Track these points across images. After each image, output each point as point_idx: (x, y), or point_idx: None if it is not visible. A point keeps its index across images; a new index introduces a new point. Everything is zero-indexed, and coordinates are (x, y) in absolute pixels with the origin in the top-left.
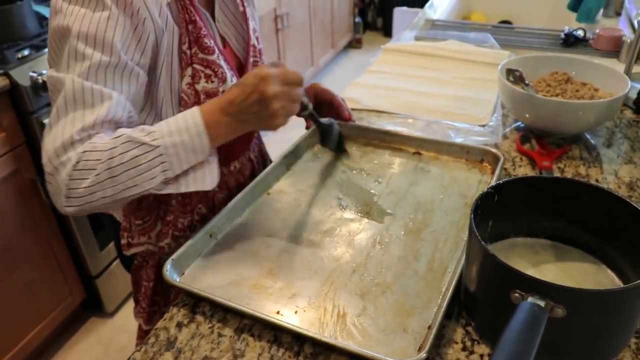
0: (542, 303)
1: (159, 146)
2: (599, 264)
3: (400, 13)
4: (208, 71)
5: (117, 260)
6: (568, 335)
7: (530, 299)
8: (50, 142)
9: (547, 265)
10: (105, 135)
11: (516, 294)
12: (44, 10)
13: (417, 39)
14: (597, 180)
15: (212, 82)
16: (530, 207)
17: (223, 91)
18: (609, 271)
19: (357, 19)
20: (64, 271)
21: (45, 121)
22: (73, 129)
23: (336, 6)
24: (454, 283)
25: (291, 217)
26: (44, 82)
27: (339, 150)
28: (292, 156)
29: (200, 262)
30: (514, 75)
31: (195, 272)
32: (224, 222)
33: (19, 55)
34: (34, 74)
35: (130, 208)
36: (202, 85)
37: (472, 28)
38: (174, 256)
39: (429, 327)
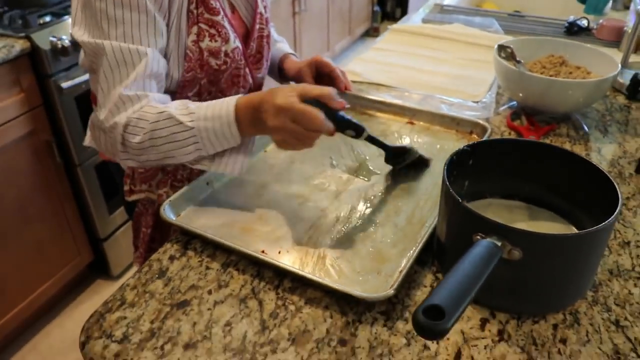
0: (499, 243)
1: (193, 128)
2: (568, 225)
3: (416, 1)
4: (212, 30)
5: (125, 225)
6: (525, 278)
7: (489, 239)
8: (105, 103)
9: (519, 223)
10: (153, 102)
11: (478, 236)
12: None
13: (425, 21)
14: None
15: (216, 41)
16: (506, 170)
17: (225, 50)
18: (576, 230)
19: (376, 8)
20: (74, 232)
21: (63, 85)
22: (120, 88)
23: None
24: (427, 233)
25: (284, 171)
26: (63, 46)
27: (417, 168)
28: None
29: (195, 206)
30: (505, 52)
31: (190, 214)
32: (220, 173)
33: (41, 21)
34: (54, 39)
35: None
36: (206, 43)
37: (478, 14)
38: (171, 197)
39: (400, 272)
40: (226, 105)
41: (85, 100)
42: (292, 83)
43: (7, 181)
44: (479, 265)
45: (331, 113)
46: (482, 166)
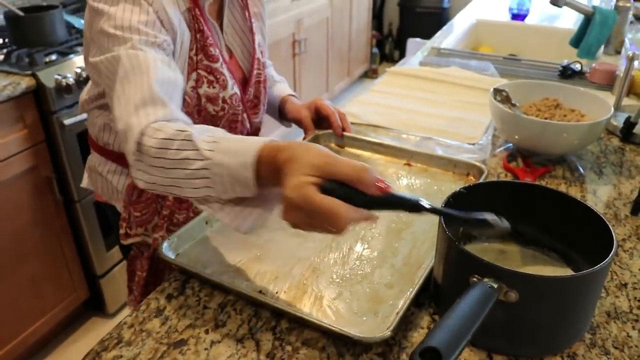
0: (495, 285)
1: (209, 159)
2: (564, 267)
3: (413, 44)
4: (211, 77)
5: (122, 263)
6: (521, 320)
7: (485, 281)
8: (123, 108)
9: (515, 265)
10: (176, 115)
11: (474, 278)
12: (73, 20)
13: (422, 64)
14: None
15: (214, 87)
16: (501, 211)
17: (223, 97)
18: (573, 272)
19: (374, 50)
20: (70, 268)
21: (66, 122)
22: (139, 91)
23: (354, 36)
24: (425, 274)
25: None
26: (67, 84)
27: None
28: None
29: (194, 245)
30: (500, 95)
31: (188, 253)
32: None
33: (47, 59)
34: (59, 77)
35: (131, 200)
36: (204, 89)
37: (474, 57)
38: (170, 237)
39: (397, 313)
40: (252, 143)
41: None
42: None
43: (5, 215)
44: (475, 307)
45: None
46: (479, 208)
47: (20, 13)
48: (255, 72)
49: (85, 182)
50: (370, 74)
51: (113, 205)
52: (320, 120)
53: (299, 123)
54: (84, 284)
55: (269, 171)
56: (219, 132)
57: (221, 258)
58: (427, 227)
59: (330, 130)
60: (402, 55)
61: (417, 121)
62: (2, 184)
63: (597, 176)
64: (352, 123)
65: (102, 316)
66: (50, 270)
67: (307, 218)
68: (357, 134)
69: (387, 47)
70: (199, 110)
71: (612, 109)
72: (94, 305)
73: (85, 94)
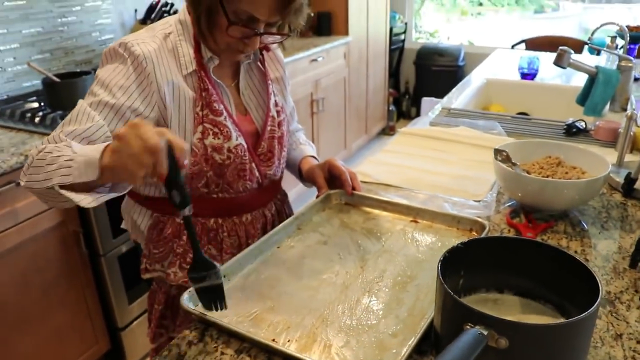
0: (485, 332)
1: (75, 152)
2: (558, 317)
3: (427, 102)
4: (215, 129)
5: (143, 315)
6: None
7: (476, 328)
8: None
9: (512, 315)
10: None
11: (467, 326)
12: None
13: (432, 124)
14: (575, 252)
15: (218, 138)
16: (499, 265)
17: (228, 147)
18: None
19: (391, 108)
20: (93, 320)
21: None
22: (56, 132)
23: (371, 94)
24: (426, 324)
25: (295, 266)
26: None
27: (208, 298)
28: (303, 217)
29: None
30: (501, 155)
31: None
32: (236, 267)
33: None
34: None
35: (151, 238)
36: (209, 140)
37: (483, 117)
38: (191, 289)
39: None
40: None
41: None
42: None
43: (35, 268)
44: (465, 351)
45: (174, 168)
46: (477, 262)
47: (56, 79)
48: (268, 128)
49: (124, 224)
50: (388, 131)
51: (139, 244)
52: (333, 179)
53: (311, 179)
54: (106, 336)
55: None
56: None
57: (238, 309)
58: (430, 281)
59: (341, 190)
60: (419, 112)
61: (425, 179)
62: (32, 239)
63: (598, 231)
64: (364, 182)
65: None
66: (74, 322)
67: (134, 133)
68: (367, 192)
69: (404, 105)
70: (206, 159)
71: (610, 165)
72: (115, 357)
73: None
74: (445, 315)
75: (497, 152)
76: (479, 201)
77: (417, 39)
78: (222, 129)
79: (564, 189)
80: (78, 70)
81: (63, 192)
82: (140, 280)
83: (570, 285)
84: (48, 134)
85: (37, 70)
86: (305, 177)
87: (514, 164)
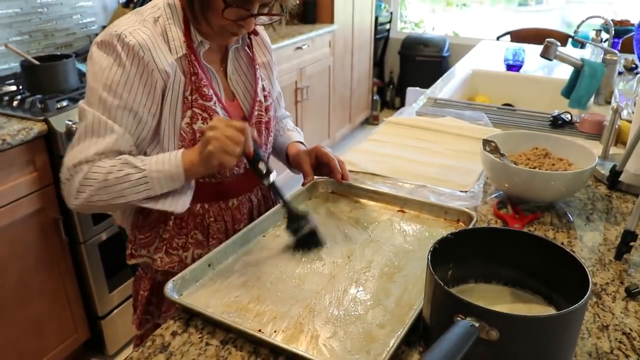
0: (476, 324)
1: (145, 169)
2: (548, 308)
3: (412, 92)
4: (205, 114)
5: (124, 304)
6: (503, 357)
7: (467, 319)
8: (70, 158)
9: (501, 306)
10: (108, 160)
11: (458, 318)
12: (85, 68)
13: (418, 114)
14: (562, 243)
15: (207, 123)
16: (488, 255)
17: None
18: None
19: (376, 97)
20: (73, 309)
21: None
22: (88, 152)
23: (356, 84)
24: (415, 315)
25: (282, 255)
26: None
27: (307, 244)
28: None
29: (197, 286)
30: (489, 145)
31: (192, 293)
32: (222, 255)
33: (59, 105)
34: (70, 122)
35: (136, 223)
36: (198, 125)
37: (469, 107)
38: (174, 278)
39: (388, 351)
40: (174, 154)
41: None
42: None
43: (12, 256)
44: (457, 343)
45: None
46: (466, 252)
47: (36, 62)
48: (255, 112)
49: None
50: (372, 120)
51: (124, 229)
52: (320, 166)
53: (298, 164)
54: (85, 325)
55: (189, 160)
56: (142, 156)
57: (223, 298)
58: (418, 272)
59: (328, 177)
60: (403, 102)
61: (412, 169)
62: (11, 225)
63: (584, 223)
64: (350, 171)
65: (102, 358)
66: (53, 311)
67: (222, 128)
68: (354, 181)
69: (388, 95)
70: (194, 144)
71: (597, 158)
72: (95, 346)
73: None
74: (435, 307)
75: (486, 142)
76: (466, 192)
77: (402, 29)
78: (211, 114)
79: (551, 180)
80: (58, 53)
81: (148, 204)
82: (121, 268)
83: (558, 276)
84: (28, 118)
85: (15, 53)
86: (292, 163)
87: (502, 155)
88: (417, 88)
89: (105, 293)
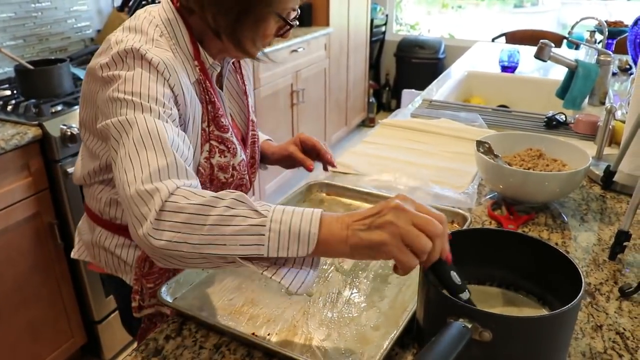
0: (469, 325)
1: (265, 216)
2: (541, 309)
3: (408, 94)
4: (222, 147)
5: None
6: (496, 359)
7: (460, 321)
8: (137, 172)
9: (495, 307)
10: (204, 189)
11: (451, 319)
12: (79, 72)
13: (413, 116)
14: (556, 244)
15: (225, 156)
16: (482, 257)
17: (233, 164)
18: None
19: (372, 100)
20: (69, 313)
21: (69, 170)
22: (160, 162)
23: (352, 86)
24: (408, 316)
25: None
26: (72, 134)
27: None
28: None
29: (191, 289)
30: (483, 147)
31: (186, 297)
32: None
33: (53, 110)
34: (64, 127)
35: (142, 272)
36: (216, 159)
37: (464, 109)
38: (169, 281)
39: (382, 353)
40: (310, 210)
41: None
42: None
43: (7, 261)
44: (449, 344)
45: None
46: (459, 254)
47: (30, 67)
48: (250, 133)
49: (78, 253)
50: (368, 123)
51: (118, 279)
52: (306, 152)
53: (289, 159)
54: (82, 330)
55: (330, 225)
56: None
57: (217, 301)
58: (413, 274)
59: (322, 180)
60: (399, 104)
61: (406, 171)
62: (6, 230)
63: (578, 223)
64: (345, 173)
65: None
66: (49, 316)
67: (412, 219)
68: (348, 184)
69: (384, 97)
70: (211, 179)
71: (590, 158)
72: (91, 351)
73: (80, 169)
74: (428, 309)
75: (480, 144)
76: (461, 193)
77: (397, 31)
78: (229, 146)
79: (545, 181)
80: (52, 57)
81: (250, 265)
82: None
83: (552, 277)
84: (22, 123)
85: (9, 57)
86: (276, 158)
87: (496, 156)
88: (413, 90)
89: (102, 297)
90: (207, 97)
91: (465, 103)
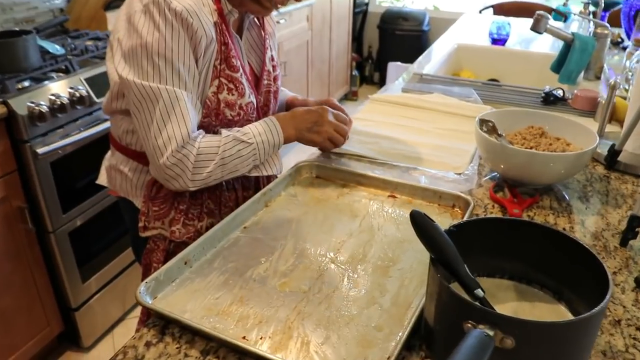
0: (491, 332)
1: (252, 143)
2: (556, 303)
3: (394, 67)
4: (231, 85)
5: (98, 294)
6: None
7: (480, 328)
8: (166, 142)
9: (507, 303)
10: (210, 135)
11: (468, 324)
12: (48, 45)
13: (404, 90)
14: (564, 229)
15: (233, 94)
16: (492, 248)
17: (240, 104)
18: (567, 311)
19: (354, 72)
20: (43, 301)
21: (39, 150)
22: (182, 131)
23: (334, 59)
24: (415, 316)
25: (265, 250)
26: (40, 112)
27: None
28: (271, 193)
29: (173, 287)
30: (487, 125)
31: (167, 296)
32: (199, 251)
33: (19, 86)
34: (32, 104)
35: (150, 196)
36: (224, 95)
37: (457, 83)
38: (147, 279)
39: (388, 358)
40: (270, 122)
41: (62, 166)
42: None
43: None
44: (472, 357)
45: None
46: (468, 245)
47: None
48: (264, 82)
49: (102, 180)
50: (351, 96)
51: (127, 201)
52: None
53: None
54: (58, 317)
55: (286, 125)
56: (240, 129)
57: (202, 301)
58: (414, 264)
59: (313, 161)
60: (382, 77)
61: (400, 150)
62: None
63: (584, 205)
64: (335, 153)
65: (78, 350)
66: (22, 304)
67: (335, 119)
68: (339, 164)
69: (367, 70)
70: (217, 113)
71: (598, 138)
72: (69, 338)
73: (106, 101)
74: (440, 309)
75: (483, 122)
76: (460, 174)
77: (380, 2)
78: (237, 85)
79: (551, 162)
80: (17, 29)
81: (255, 173)
82: (95, 256)
83: (569, 270)
84: None
85: None
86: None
87: (500, 135)
88: (399, 63)
89: (79, 283)
90: (222, 38)
91: (456, 77)
